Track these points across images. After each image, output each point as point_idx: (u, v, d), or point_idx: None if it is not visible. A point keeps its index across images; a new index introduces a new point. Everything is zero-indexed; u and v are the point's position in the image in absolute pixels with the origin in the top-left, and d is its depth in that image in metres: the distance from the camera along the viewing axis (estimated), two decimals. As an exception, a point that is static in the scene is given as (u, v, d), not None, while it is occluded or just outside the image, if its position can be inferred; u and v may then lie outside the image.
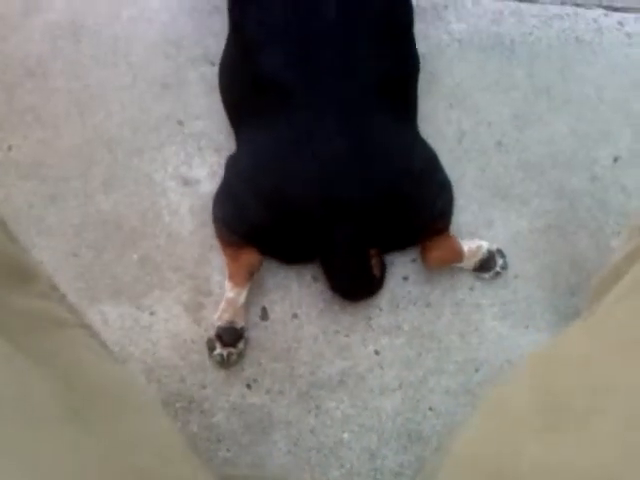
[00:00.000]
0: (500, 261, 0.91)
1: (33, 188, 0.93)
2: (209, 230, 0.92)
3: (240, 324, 0.86)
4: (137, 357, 0.86)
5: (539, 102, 1.02)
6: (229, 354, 0.85)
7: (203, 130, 0.97)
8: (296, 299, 0.90)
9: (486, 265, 0.91)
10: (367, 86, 0.82)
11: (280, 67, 0.81)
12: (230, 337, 0.85)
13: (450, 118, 1.00)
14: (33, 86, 0.98)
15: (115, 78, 0.99)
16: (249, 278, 0.85)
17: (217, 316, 0.85)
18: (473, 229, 0.95)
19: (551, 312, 0.92)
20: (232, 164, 0.87)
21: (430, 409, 0.87)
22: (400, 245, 0.90)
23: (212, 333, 0.85)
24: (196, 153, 0.96)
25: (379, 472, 0.83)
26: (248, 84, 0.85)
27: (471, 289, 0.92)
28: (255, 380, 0.86)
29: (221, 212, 0.87)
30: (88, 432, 0.34)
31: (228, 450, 0.83)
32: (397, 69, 0.86)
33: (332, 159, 0.80)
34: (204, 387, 0.86)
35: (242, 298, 0.85)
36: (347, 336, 0.89)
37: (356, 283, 0.87)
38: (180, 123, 0.97)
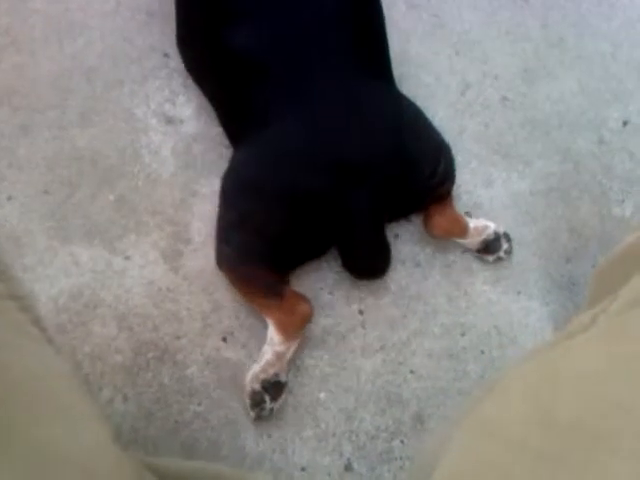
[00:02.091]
0: (505, 245, 0.87)
1: (4, 116, 0.87)
2: (191, 174, 0.86)
3: (284, 377, 0.79)
4: (108, 303, 0.81)
5: (550, 56, 0.96)
6: (273, 409, 0.79)
7: (190, 65, 0.90)
8: (280, 251, 0.85)
9: (491, 247, 0.86)
10: (343, 45, 0.77)
11: (252, 43, 0.75)
12: (277, 391, 0.78)
13: (454, 67, 0.94)
14: (9, 6, 0.91)
15: (97, 3, 0.92)
16: (303, 330, 0.81)
17: (260, 368, 0.78)
18: (471, 187, 0.90)
19: (545, 279, 0.89)
20: (229, 185, 0.80)
21: (411, 372, 0.84)
22: (406, 209, 0.85)
23: (256, 386, 0.78)
24: (181, 90, 0.90)
25: (354, 434, 0.81)
26: (217, 66, 0.79)
27: (463, 251, 0.88)
28: (231, 333, 0.82)
29: (240, 249, 0.78)
30: None
31: (199, 404, 0.79)
32: (365, 14, 0.80)
33: (330, 129, 0.74)
34: (178, 338, 0.82)
35: (291, 351, 0.79)
36: (331, 294, 0.85)
37: (376, 253, 0.81)
38: (166, 56, 0.91)
